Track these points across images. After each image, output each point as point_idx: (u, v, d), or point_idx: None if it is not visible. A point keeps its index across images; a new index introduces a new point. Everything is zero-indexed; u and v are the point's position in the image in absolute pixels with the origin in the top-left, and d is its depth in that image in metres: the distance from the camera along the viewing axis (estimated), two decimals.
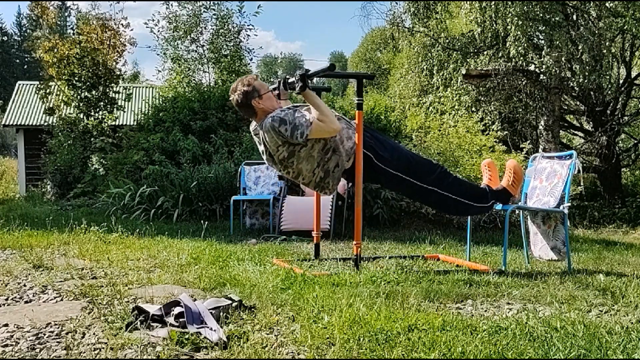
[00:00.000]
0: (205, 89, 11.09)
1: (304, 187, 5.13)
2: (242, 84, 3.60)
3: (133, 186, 8.12)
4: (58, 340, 2.09)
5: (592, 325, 2.20)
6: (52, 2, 14.09)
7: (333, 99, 12.02)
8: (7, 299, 2.78)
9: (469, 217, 4.41)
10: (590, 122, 10.90)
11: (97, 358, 1.90)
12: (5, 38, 50.98)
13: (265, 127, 3.49)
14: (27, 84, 19.35)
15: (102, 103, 12.35)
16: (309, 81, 3.67)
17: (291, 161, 3.53)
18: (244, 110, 3.64)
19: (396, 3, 22.65)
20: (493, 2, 9.35)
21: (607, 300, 2.82)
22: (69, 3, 27.91)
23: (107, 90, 12.44)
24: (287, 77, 3.81)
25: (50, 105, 12.39)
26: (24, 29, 49.70)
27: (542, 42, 9.64)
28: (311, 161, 3.54)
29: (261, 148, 3.65)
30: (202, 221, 6.00)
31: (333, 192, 3.75)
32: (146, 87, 18.91)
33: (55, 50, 12.07)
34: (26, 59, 45.75)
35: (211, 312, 2.22)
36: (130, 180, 8.76)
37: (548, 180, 4.09)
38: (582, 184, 7.32)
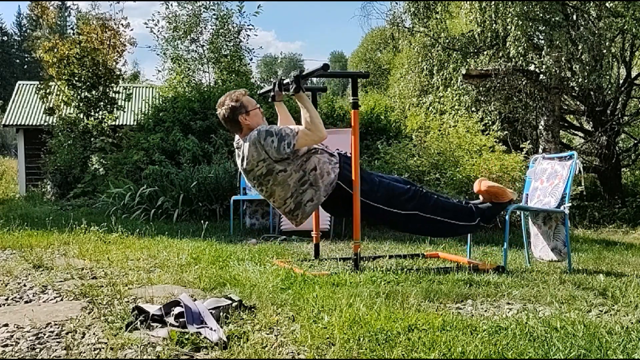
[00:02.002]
0: (205, 89, 11.10)
1: None
2: (230, 99, 3.58)
3: (133, 186, 8.12)
4: (58, 340, 2.09)
5: (592, 325, 2.20)
6: (52, 2, 14.12)
7: (333, 99, 12.02)
8: (7, 299, 2.78)
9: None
10: (590, 122, 10.90)
11: (97, 358, 1.90)
12: (5, 38, 50.99)
13: (250, 139, 3.47)
14: (27, 84, 19.34)
15: (102, 103, 12.36)
16: (304, 82, 3.68)
17: (267, 179, 3.51)
18: (230, 125, 3.62)
19: (396, 3, 22.70)
20: (493, 2, 9.35)
21: (607, 300, 2.82)
22: (69, 3, 27.97)
23: (107, 90, 12.44)
24: (283, 78, 3.81)
25: (50, 105, 12.39)
26: (24, 29, 49.71)
27: (542, 42, 9.63)
28: (285, 188, 3.52)
29: (239, 161, 3.62)
30: (202, 221, 6.00)
31: (300, 224, 3.72)
32: (146, 87, 18.92)
33: (55, 50, 12.07)
34: (26, 59, 45.76)
35: (211, 312, 2.22)
36: (130, 180, 8.76)
37: (549, 180, 4.09)
38: (582, 184, 7.30)
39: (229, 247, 4.64)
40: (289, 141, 3.43)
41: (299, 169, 3.50)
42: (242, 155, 3.55)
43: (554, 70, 9.07)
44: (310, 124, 3.48)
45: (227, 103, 3.58)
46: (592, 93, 10.03)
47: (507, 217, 3.89)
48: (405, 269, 3.44)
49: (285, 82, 3.74)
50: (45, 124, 13.18)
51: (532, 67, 9.57)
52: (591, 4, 9.38)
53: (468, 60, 10.58)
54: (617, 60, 10.64)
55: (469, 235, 4.37)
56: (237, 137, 3.68)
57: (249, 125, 3.56)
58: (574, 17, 9.46)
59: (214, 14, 12.59)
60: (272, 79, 3.90)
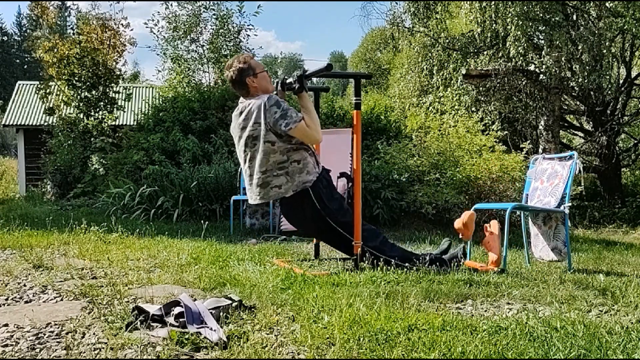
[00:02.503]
0: (205, 89, 11.10)
1: None
2: (238, 61, 3.62)
3: (133, 186, 8.12)
4: (58, 340, 2.09)
5: (592, 325, 2.20)
6: (52, 2, 14.09)
7: (333, 99, 12.01)
8: (7, 299, 2.78)
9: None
10: (590, 122, 10.91)
11: (97, 358, 1.90)
12: (5, 38, 50.99)
13: (259, 100, 3.49)
14: (27, 84, 19.35)
15: (102, 103, 12.36)
16: (307, 82, 3.68)
17: (254, 143, 3.52)
18: (237, 87, 3.64)
19: (396, 3, 22.71)
20: (493, 2, 9.35)
21: (607, 300, 2.82)
22: (69, 3, 27.90)
23: (107, 90, 12.44)
24: (286, 77, 3.82)
25: (50, 105, 12.39)
26: (24, 29, 49.70)
27: (542, 42, 9.64)
28: (263, 161, 3.51)
29: (237, 114, 3.61)
30: (202, 221, 6.00)
31: (254, 202, 3.64)
32: (146, 87, 18.92)
33: (55, 50, 12.07)
34: (26, 59, 45.75)
35: (211, 312, 2.22)
36: (130, 180, 8.76)
37: (549, 180, 4.09)
38: (582, 184, 7.32)
39: (229, 247, 4.64)
40: (288, 122, 3.43)
41: (284, 152, 3.50)
42: (243, 111, 3.56)
43: (554, 70, 9.08)
44: (311, 123, 3.51)
45: (235, 65, 3.60)
46: (592, 93, 10.04)
47: (507, 217, 3.89)
48: (405, 269, 3.44)
49: (288, 81, 3.75)
50: (45, 124, 13.19)
51: (532, 67, 9.58)
52: (591, 4, 9.39)
53: (468, 60, 10.59)
54: (617, 60, 10.65)
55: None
56: (241, 99, 3.68)
57: (257, 87, 3.59)
58: (574, 17, 9.46)
59: (214, 14, 12.58)
60: (272, 79, 3.90)
